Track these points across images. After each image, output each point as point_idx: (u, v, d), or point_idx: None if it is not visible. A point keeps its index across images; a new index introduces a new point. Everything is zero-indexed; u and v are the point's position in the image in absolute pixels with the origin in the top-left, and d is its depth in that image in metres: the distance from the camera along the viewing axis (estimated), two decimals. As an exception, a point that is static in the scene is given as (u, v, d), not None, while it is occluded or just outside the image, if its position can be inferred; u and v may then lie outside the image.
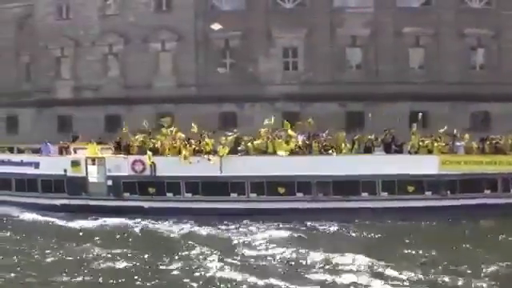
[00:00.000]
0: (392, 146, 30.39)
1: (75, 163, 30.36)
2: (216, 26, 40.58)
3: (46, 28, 45.23)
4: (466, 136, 30.56)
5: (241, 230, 26.33)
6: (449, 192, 29.24)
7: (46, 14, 45.43)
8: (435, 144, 29.99)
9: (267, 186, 28.92)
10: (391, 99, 39.58)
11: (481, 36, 41.29)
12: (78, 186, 30.17)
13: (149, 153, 29.56)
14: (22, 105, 46.32)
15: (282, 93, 40.03)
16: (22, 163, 31.57)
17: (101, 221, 28.03)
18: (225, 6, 42.17)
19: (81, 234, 25.79)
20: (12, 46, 47.42)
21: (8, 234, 25.82)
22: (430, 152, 30.08)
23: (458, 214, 27.66)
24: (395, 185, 28.99)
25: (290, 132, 30.30)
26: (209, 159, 29.09)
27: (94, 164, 30.25)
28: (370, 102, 39.41)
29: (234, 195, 29.11)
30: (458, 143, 30.49)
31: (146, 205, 29.40)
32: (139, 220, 27.73)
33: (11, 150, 33.92)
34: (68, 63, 45.19)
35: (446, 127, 30.43)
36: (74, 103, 44.17)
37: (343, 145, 29.91)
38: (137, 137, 30.87)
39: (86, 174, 30.22)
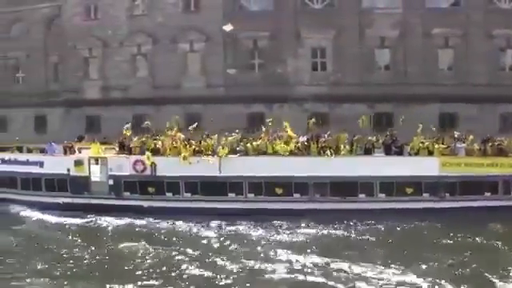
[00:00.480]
0: (392, 148, 30.41)
1: (78, 163, 31.16)
2: (228, 27, 40.59)
3: (74, 28, 45.41)
4: (470, 137, 30.46)
5: (238, 230, 26.92)
6: (448, 194, 29.26)
7: (73, 15, 45.60)
8: (436, 146, 30.00)
9: (265, 186, 29.36)
10: (420, 101, 39.38)
11: (510, 37, 40.89)
12: (80, 185, 30.96)
13: (147, 153, 30.20)
14: (50, 104, 46.68)
15: (310, 93, 39.97)
16: (27, 162, 32.30)
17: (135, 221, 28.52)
18: (253, 6, 42.07)
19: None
20: (41, 47, 47.80)
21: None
22: (430, 154, 30.01)
23: (458, 217, 27.58)
24: (394, 186, 29.16)
25: (289, 133, 30.65)
26: (208, 160, 29.56)
27: (96, 164, 30.99)
28: (399, 104, 39.40)
29: (232, 195, 29.57)
30: (458, 145, 30.43)
31: (145, 204, 30.07)
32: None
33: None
34: (96, 63, 45.33)
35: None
36: (102, 103, 44.36)
37: (342, 146, 30.03)
38: (135, 138, 31.58)
39: (89, 173, 30.99)
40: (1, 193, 32.47)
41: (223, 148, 29.88)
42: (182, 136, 31.03)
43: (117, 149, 31.99)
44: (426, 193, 29.31)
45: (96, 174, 30.89)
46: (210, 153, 30.14)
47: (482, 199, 29.02)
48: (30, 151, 34.75)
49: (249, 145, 30.33)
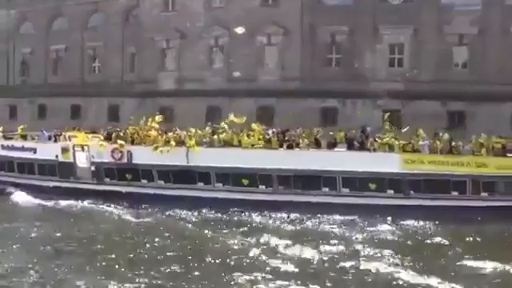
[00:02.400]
0: (354, 143, 30.43)
1: (65, 150, 33.49)
2: (240, 30, 40.70)
3: (151, 19, 46.21)
4: (446, 136, 29.96)
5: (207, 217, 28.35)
6: (412, 191, 28.81)
7: (152, 6, 46.40)
8: (396, 142, 29.68)
9: (232, 177, 30.18)
10: (495, 100, 38.92)
11: None
12: (67, 170, 33.24)
13: (120, 142, 32.17)
14: (124, 94, 47.54)
15: (385, 89, 39.83)
16: (23, 149, 34.90)
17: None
18: (332, 0, 41.98)
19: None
20: (118, 37, 48.78)
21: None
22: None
23: (423, 215, 27.22)
24: (356, 181, 29.10)
25: (253, 126, 31.32)
26: (174, 150, 30.88)
27: (81, 151, 32.97)
28: (472, 102, 39.12)
29: (200, 184, 30.62)
30: (422, 142, 29.90)
31: (123, 190, 31.72)
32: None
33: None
34: (173, 55, 46.00)
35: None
36: (177, 94, 44.93)
37: (305, 140, 30.43)
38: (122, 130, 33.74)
39: (74, 159, 33.07)
40: (1, 176, 35.39)
41: (191, 139, 31.16)
42: (157, 126, 32.67)
43: (102, 138, 34.02)
44: (389, 189, 28.99)
45: (80, 160, 33.14)
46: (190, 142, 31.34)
47: (448, 198, 28.48)
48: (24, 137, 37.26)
49: (215, 136, 31.39)
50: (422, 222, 26.72)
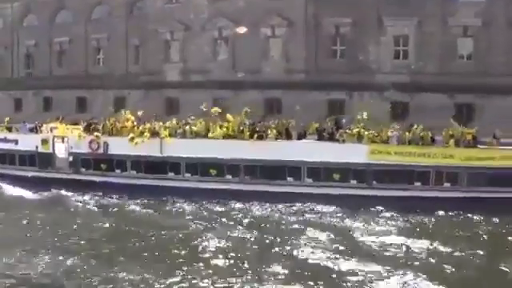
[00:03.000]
0: (323, 134, 31.06)
1: (44, 141, 34.45)
2: (241, 29, 40.67)
3: (156, 11, 46.19)
4: (420, 127, 30.30)
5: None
6: (375, 182, 29.23)
7: (156, -2, 46.40)
8: (365, 133, 30.07)
9: (200, 167, 31.13)
10: (502, 92, 38.87)
11: None
12: (46, 160, 34.24)
13: (96, 133, 33.31)
14: (129, 86, 47.55)
15: (391, 82, 39.80)
16: (5, 140, 35.99)
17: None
18: (336, -8, 41.91)
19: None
20: (122, 29, 48.75)
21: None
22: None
23: (385, 205, 27.50)
24: (321, 172, 29.66)
25: (228, 117, 32.32)
26: (148, 140, 31.98)
27: (60, 142, 33.96)
28: (480, 95, 39.03)
29: (171, 174, 31.58)
30: (390, 133, 30.34)
31: (97, 179, 32.55)
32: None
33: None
34: (177, 46, 46.02)
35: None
36: (182, 86, 45.00)
37: (269, 130, 31.27)
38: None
39: (53, 150, 34.01)
40: None
41: (165, 130, 32.28)
42: (132, 118, 33.88)
43: (82, 129, 34.86)
44: (353, 179, 29.43)
45: (59, 151, 34.13)
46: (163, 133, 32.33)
47: (412, 189, 28.88)
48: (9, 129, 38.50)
49: (187, 127, 32.46)
50: (385, 213, 26.98)
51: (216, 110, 33.04)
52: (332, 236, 23.07)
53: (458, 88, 39.45)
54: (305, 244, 22.01)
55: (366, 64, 41.03)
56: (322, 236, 23.05)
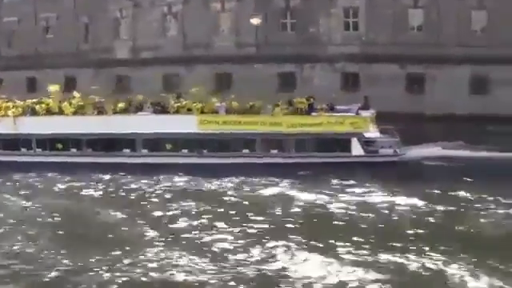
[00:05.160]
0: (156, 107, 33.15)
1: None
2: (255, 21, 40.29)
3: (104, -12, 45.38)
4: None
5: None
6: (205, 151, 31.46)
7: (104, -25, 45.52)
8: (194, 104, 32.13)
9: (49, 142, 33.64)
10: (452, 62, 38.93)
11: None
12: None
13: None
14: (80, 65, 46.57)
15: (342, 53, 39.79)
16: None
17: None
18: (286, -36, 41.52)
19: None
20: (71, 8, 47.70)
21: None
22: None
23: (217, 172, 28.75)
24: (154, 143, 32.25)
25: (74, 93, 35.43)
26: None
27: None
28: (431, 65, 39.14)
29: (23, 150, 34.15)
30: (218, 104, 32.45)
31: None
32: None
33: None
34: (127, 24, 45.29)
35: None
36: (133, 63, 44.37)
37: (111, 107, 33.78)
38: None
39: None
40: None
41: (16, 108, 34.47)
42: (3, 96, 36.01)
43: None
44: (184, 149, 31.73)
45: None
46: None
47: (239, 156, 31.02)
48: None
49: (38, 106, 34.46)
50: (215, 180, 27.75)
51: (55, 87, 35.61)
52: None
53: (409, 58, 39.41)
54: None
55: (316, 36, 40.82)
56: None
